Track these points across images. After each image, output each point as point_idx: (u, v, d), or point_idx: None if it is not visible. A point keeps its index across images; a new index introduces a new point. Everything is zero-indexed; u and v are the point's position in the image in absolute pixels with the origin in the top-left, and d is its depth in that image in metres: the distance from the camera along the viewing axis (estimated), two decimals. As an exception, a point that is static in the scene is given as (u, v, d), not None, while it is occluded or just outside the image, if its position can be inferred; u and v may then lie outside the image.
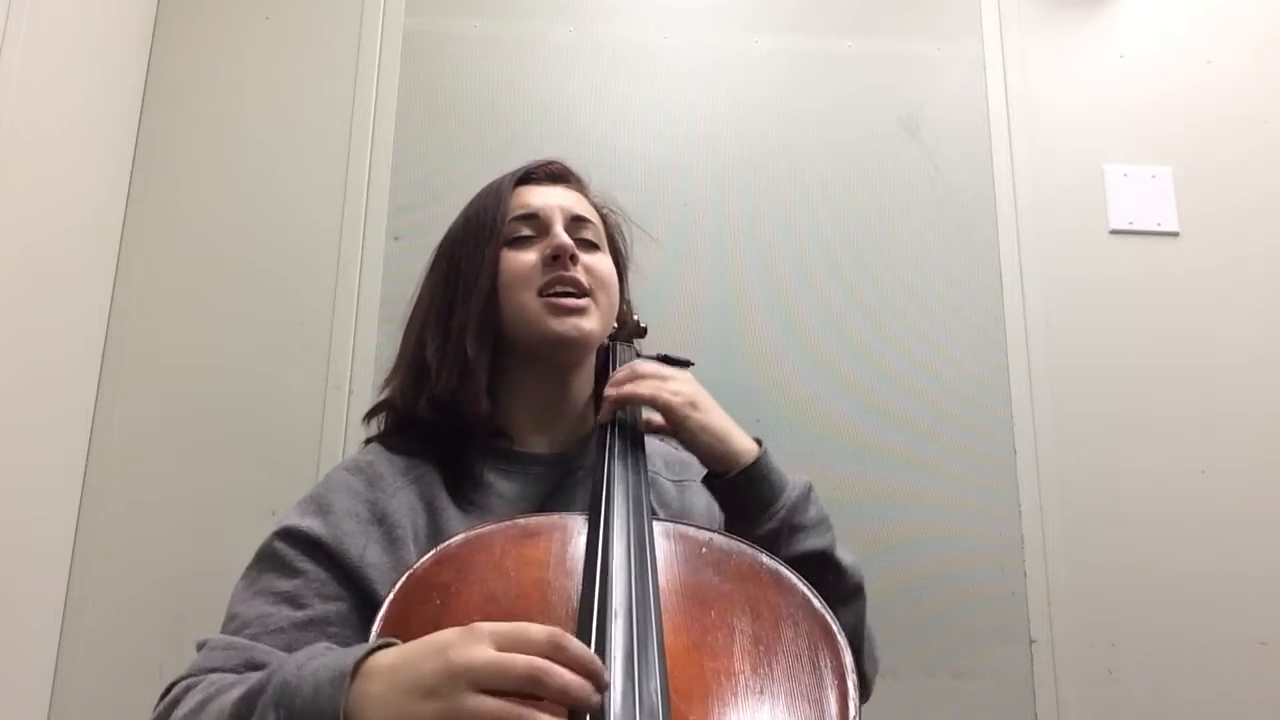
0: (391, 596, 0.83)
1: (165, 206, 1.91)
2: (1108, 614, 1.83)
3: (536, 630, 0.68)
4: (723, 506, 1.09)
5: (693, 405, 1.08)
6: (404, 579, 0.84)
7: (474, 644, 0.66)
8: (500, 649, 0.66)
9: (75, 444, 1.78)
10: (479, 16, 2.05)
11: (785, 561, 0.97)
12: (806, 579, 0.98)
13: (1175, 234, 2.01)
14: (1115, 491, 1.89)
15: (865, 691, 1.09)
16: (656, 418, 1.12)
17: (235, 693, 0.75)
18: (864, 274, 1.97)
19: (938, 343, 1.95)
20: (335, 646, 0.78)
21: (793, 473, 1.09)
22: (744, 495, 1.06)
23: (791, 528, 1.05)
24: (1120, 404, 1.93)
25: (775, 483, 1.07)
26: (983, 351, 1.95)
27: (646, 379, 1.10)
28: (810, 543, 1.05)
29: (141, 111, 1.95)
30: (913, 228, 2.00)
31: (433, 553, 0.87)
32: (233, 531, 1.73)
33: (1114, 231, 2.01)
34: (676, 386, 1.09)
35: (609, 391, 1.11)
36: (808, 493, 1.08)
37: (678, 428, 1.08)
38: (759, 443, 1.09)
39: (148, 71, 1.97)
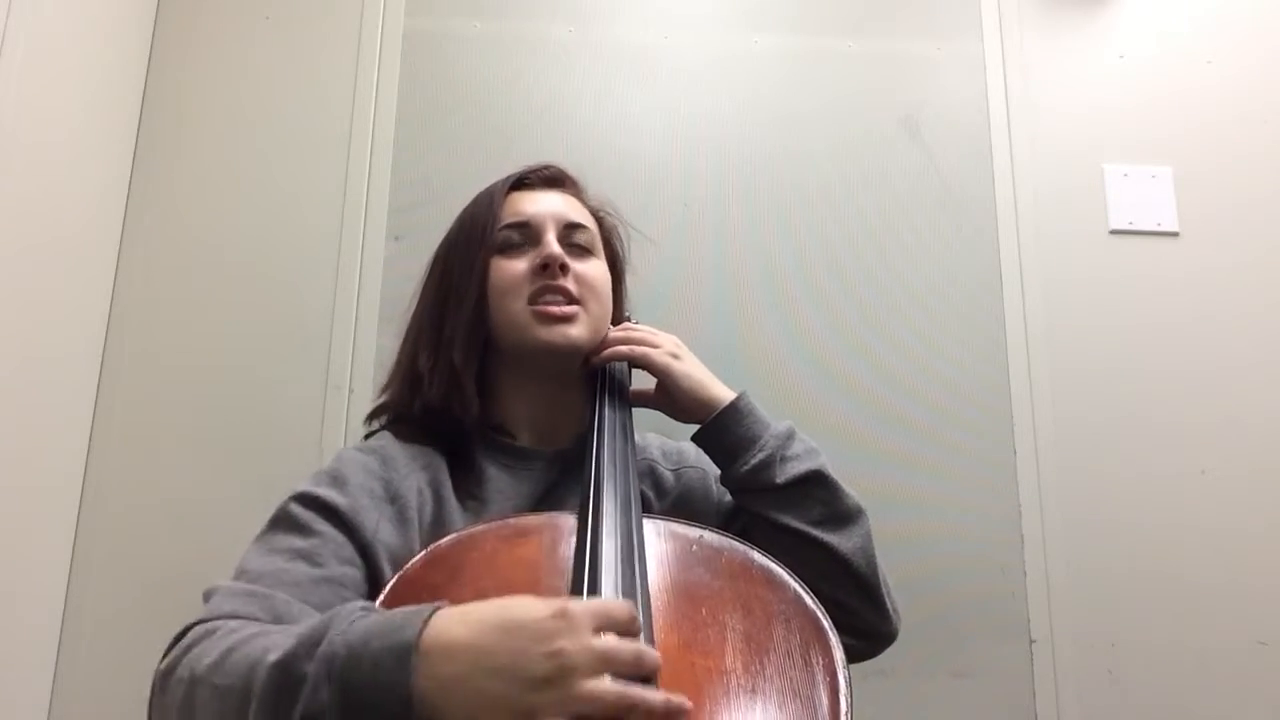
0: (382, 598, 0.83)
1: (165, 206, 1.92)
2: (1108, 614, 1.83)
3: (617, 607, 0.71)
4: (712, 454, 1.13)
5: (674, 356, 1.15)
6: (394, 581, 0.84)
7: (581, 631, 0.67)
8: (597, 630, 0.68)
9: (75, 444, 1.78)
10: (479, 16, 2.05)
11: (781, 489, 1.05)
12: (804, 502, 1.05)
13: (1175, 234, 2.01)
14: (1115, 491, 1.88)
15: (890, 633, 1.12)
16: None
17: (269, 654, 0.72)
18: (864, 274, 1.97)
19: (938, 343, 1.95)
20: (372, 606, 0.76)
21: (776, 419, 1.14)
22: (731, 433, 1.10)
23: (783, 457, 1.08)
24: (1120, 404, 1.92)
25: (760, 419, 1.12)
26: (983, 351, 1.95)
27: (633, 337, 1.16)
28: (802, 466, 1.08)
29: (141, 111, 1.95)
30: (913, 228, 2.00)
31: (423, 554, 0.87)
32: (232, 531, 1.72)
33: (1114, 231, 2.01)
34: (659, 341, 1.16)
35: (595, 358, 1.15)
36: (792, 430, 1.13)
37: (661, 376, 1.13)
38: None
39: (148, 71, 1.97)
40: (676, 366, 1.13)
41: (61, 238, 1.71)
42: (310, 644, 0.70)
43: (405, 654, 0.67)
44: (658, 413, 1.18)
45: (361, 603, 0.77)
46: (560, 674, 0.64)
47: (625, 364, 1.19)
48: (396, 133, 1.98)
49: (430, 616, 0.70)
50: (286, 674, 0.70)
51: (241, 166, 1.95)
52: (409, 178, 1.96)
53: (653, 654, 0.69)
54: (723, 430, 1.10)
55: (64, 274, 1.73)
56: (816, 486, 1.08)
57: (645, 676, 0.68)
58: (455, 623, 0.69)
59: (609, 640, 0.67)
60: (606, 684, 0.65)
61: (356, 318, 1.88)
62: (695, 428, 1.14)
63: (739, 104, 2.05)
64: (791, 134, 2.04)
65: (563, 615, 0.67)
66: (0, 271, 1.54)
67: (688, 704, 0.66)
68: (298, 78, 2.00)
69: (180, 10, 2.01)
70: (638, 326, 1.19)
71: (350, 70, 2.00)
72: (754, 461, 1.07)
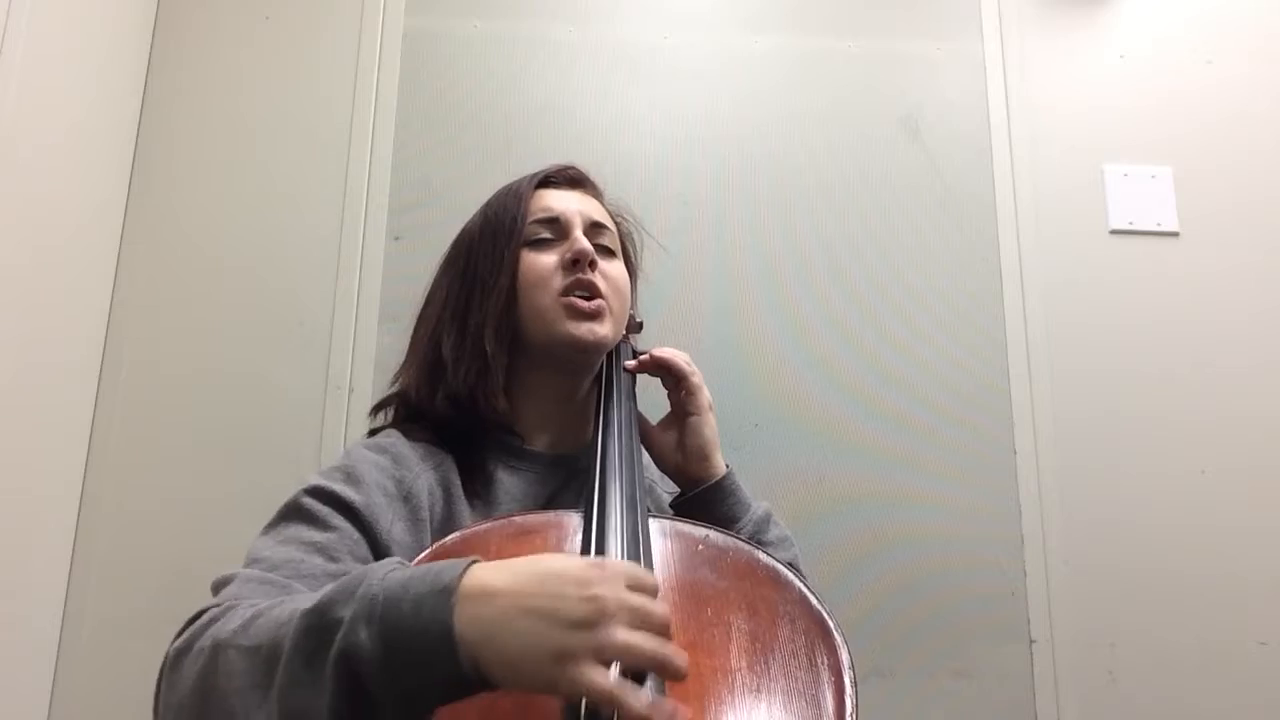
0: None
1: (165, 206, 1.91)
2: (1108, 614, 1.83)
3: (646, 573, 0.72)
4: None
5: (711, 408, 1.18)
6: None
7: (616, 583, 0.68)
8: (630, 587, 0.69)
9: (75, 445, 1.78)
10: (479, 16, 2.05)
11: None
12: None
13: (1175, 234, 2.01)
14: (1115, 491, 1.88)
15: None
16: None
17: (301, 608, 0.71)
18: (864, 274, 1.97)
19: (938, 342, 1.95)
20: (405, 563, 0.76)
21: (754, 498, 1.18)
22: (714, 509, 1.12)
23: (759, 543, 1.09)
24: (1120, 404, 1.92)
25: (742, 500, 1.15)
26: (983, 351, 1.95)
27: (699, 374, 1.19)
28: (775, 556, 1.08)
29: (141, 111, 1.95)
30: (913, 228, 2.00)
31: (427, 551, 0.87)
32: (232, 532, 1.71)
33: (1114, 231, 2.01)
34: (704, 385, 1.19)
35: (672, 354, 1.19)
36: (769, 515, 1.16)
37: (696, 413, 1.16)
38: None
39: (148, 71, 1.97)
40: (710, 417, 1.17)
41: (61, 238, 1.71)
42: (345, 592, 0.70)
43: (446, 595, 0.67)
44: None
45: (396, 559, 0.77)
46: (596, 618, 0.66)
47: (634, 374, 1.21)
48: (396, 133, 1.97)
49: (468, 565, 0.71)
50: (322, 617, 0.69)
51: (241, 166, 1.94)
52: (409, 178, 1.95)
53: (669, 619, 0.70)
54: (706, 505, 1.13)
55: (64, 275, 1.73)
56: None
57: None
58: (492, 570, 0.70)
59: (643, 598, 0.68)
60: (641, 636, 0.66)
61: (356, 318, 1.88)
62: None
63: (739, 104, 2.05)
64: (791, 134, 2.04)
65: (599, 567, 0.70)
66: (0, 271, 1.53)
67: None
68: (298, 78, 2.00)
69: (180, 10, 2.01)
70: (690, 361, 1.21)
71: (350, 70, 2.00)
72: None
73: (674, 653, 0.67)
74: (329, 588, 0.72)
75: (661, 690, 0.72)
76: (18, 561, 1.62)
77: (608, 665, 0.65)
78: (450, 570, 0.70)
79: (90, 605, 1.73)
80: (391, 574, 0.71)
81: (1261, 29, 2.13)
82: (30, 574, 1.66)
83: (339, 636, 0.68)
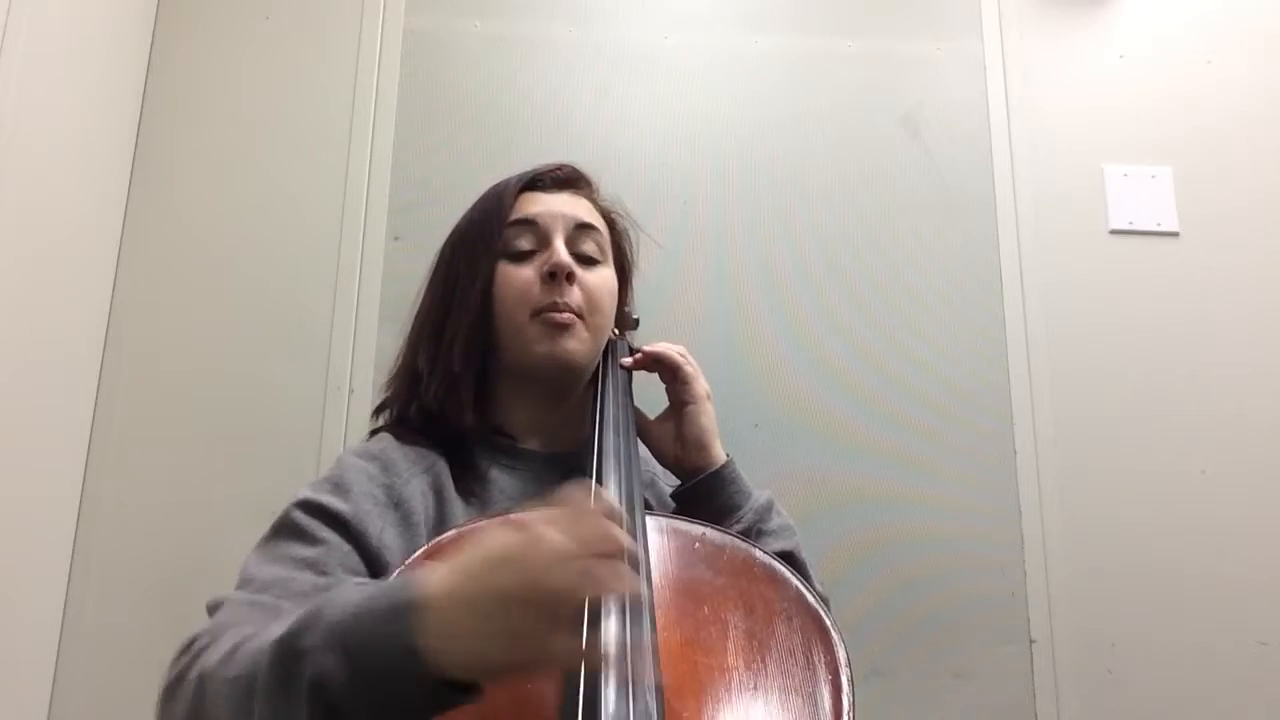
0: None
1: (165, 206, 1.91)
2: (1108, 614, 1.83)
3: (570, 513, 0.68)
4: (691, 513, 1.12)
5: (709, 397, 1.17)
6: (395, 575, 0.84)
7: (537, 543, 0.65)
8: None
9: (75, 445, 1.78)
10: (479, 16, 2.05)
11: None
12: None
13: (1175, 234, 2.01)
14: (1115, 491, 1.88)
15: None
16: None
17: (273, 633, 0.72)
18: (864, 274, 1.97)
19: (938, 342, 1.95)
20: (367, 581, 0.75)
21: (756, 487, 1.17)
22: (714, 498, 1.12)
23: (759, 531, 1.09)
24: (1120, 404, 1.92)
25: (742, 488, 1.14)
26: (983, 351, 1.95)
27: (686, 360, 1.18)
28: (776, 544, 1.09)
29: (141, 111, 1.95)
30: (913, 228, 2.00)
31: (424, 549, 0.87)
32: (233, 532, 1.71)
33: (1114, 231, 2.01)
34: (700, 373, 1.18)
35: (665, 348, 1.19)
36: (770, 504, 1.15)
37: (692, 402, 1.15)
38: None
39: (148, 71, 1.97)
40: (708, 405, 1.16)
41: (62, 238, 1.71)
42: (310, 618, 0.70)
43: (405, 609, 0.67)
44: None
45: (356, 579, 0.76)
46: (531, 589, 0.63)
47: (630, 372, 1.21)
48: (396, 133, 1.98)
49: (422, 575, 0.70)
50: (289, 647, 0.70)
51: (241, 166, 1.94)
52: (409, 178, 1.95)
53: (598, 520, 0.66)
54: (707, 494, 1.12)
55: (64, 275, 1.73)
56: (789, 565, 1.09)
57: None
58: (441, 575, 0.69)
59: (568, 538, 0.65)
60: (568, 570, 0.63)
61: (356, 318, 1.88)
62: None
63: (739, 104, 2.05)
64: (791, 134, 2.04)
65: (521, 527, 0.67)
66: (0, 272, 1.53)
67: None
68: (298, 78, 2.00)
69: (180, 10, 2.01)
70: (685, 352, 1.20)
71: (350, 70, 2.00)
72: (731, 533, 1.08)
73: (613, 570, 0.64)
74: (297, 615, 0.72)
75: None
76: (18, 561, 1.62)
77: (574, 621, 0.63)
78: (408, 584, 0.69)
79: (90, 605, 1.73)
80: (352, 594, 0.71)
81: (1261, 29, 2.13)
82: (30, 574, 1.66)
83: (306, 665, 0.68)
